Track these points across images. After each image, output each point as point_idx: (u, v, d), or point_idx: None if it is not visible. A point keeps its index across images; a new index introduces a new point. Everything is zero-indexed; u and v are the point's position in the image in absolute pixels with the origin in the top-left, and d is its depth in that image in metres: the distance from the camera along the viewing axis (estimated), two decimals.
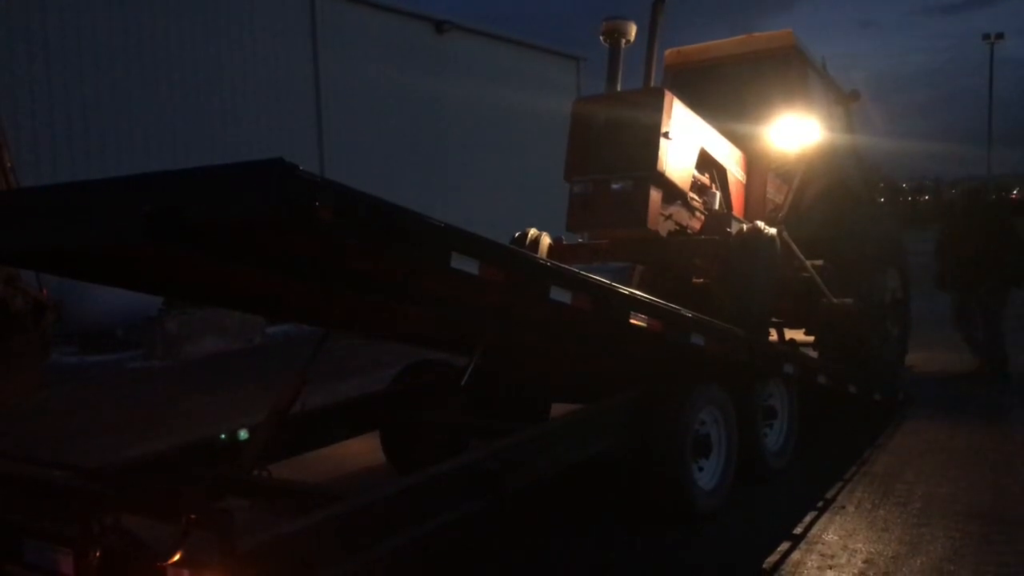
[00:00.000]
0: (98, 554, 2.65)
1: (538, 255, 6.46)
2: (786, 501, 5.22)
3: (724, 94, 7.50)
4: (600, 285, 4.05)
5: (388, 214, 2.92)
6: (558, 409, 5.65)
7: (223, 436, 4.59)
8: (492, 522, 4.71)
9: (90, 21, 14.79)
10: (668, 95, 5.98)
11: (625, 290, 4.27)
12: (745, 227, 6.17)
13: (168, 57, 15.93)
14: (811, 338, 7.63)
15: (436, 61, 21.81)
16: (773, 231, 6.15)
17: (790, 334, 8.01)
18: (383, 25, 20.55)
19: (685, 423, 4.77)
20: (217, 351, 12.54)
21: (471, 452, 4.22)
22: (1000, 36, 54.62)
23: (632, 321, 4.17)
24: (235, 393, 8.93)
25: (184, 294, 5.12)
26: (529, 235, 6.63)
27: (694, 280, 6.88)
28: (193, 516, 2.44)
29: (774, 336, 7.78)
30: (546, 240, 6.64)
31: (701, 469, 4.97)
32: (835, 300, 6.83)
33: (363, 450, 5.84)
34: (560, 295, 3.75)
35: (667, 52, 7.83)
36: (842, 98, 8.35)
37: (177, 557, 2.43)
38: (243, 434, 4.69)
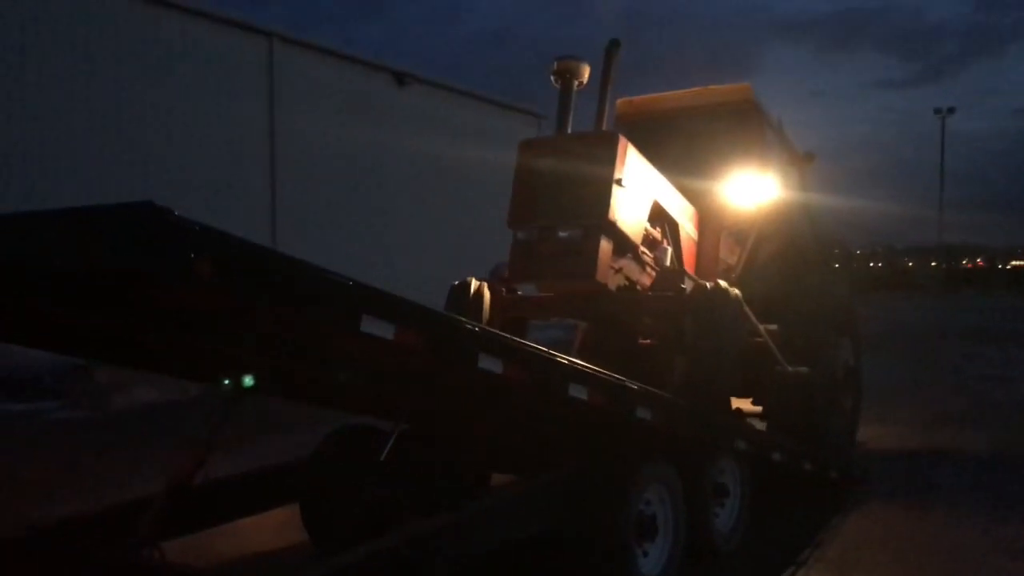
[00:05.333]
0: None
1: (482, 306, 6.05)
2: None
3: (677, 147, 7.18)
4: (536, 354, 3.67)
5: (281, 269, 2.53)
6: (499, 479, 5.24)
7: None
8: None
9: (40, 68, 14.04)
10: (622, 140, 5.66)
11: (564, 359, 3.89)
12: (709, 285, 5.76)
13: (118, 111, 15.02)
14: (758, 408, 7.22)
15: (396, 114, 21.34)
16: (737, 291, 5.80)
17: (736, 403, 7.63)
18: (342, 76, 19.97)
19: (629, 503, 4.36)
20: (149, 402, 11.89)
21: (394, 533, 3.77)
22: (952, 110, 56.33)
23: (572, 394, 3.79)
24: (157, 450, 8.33)
25: (81, 351, 4.64)
26: (472, 286, 6.20)
27: (640, 341, 6.51)
28: None
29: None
30: (488, 291, 6.21)
31: (646, 554, 4.56)
32: (790, 368, 6.48)
33: (277, 525, 5.34)
34: (490, 364, 3.35)
35: (618, 102, 7.56)
36: (797, 159, 8.14)
37: None
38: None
